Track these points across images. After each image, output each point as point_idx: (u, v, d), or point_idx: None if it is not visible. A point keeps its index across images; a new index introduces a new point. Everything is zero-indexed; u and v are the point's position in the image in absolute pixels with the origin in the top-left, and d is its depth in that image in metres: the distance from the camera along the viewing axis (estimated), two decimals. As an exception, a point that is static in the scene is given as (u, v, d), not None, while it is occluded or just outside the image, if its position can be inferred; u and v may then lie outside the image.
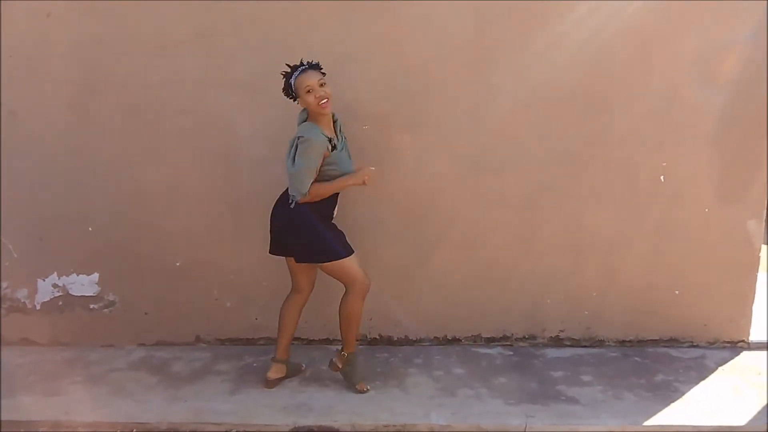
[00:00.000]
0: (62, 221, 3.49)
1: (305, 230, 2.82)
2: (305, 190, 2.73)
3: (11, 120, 3.39)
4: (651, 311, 3.48)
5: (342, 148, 2.85)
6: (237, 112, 3.33)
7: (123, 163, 3.42)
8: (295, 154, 2.73)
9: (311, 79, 2.70)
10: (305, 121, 2.83)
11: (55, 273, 3.56)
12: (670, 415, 2.82)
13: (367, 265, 3.42)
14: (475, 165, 3.33)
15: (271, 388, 3.07)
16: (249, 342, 3.61)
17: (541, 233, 3.41)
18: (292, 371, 3.17)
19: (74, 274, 3.55)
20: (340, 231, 2.97)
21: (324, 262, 2.88)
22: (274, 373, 3.09)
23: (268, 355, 3.45)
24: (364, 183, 2.81)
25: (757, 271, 3.44)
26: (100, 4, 3.24)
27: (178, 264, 3.52)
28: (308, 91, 2.70)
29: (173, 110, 3.34)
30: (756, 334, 3.53)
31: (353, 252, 2.92)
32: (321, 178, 2.78)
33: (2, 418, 2.85)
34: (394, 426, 2.78)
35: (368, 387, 3.04)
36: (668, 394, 3.00)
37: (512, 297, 3.49)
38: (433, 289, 3.44)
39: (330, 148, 2.76)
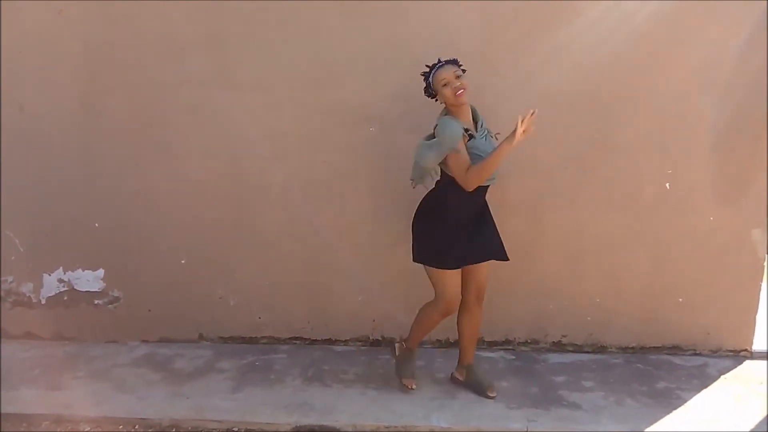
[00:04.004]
0: (69, 217, 3.51)
1: (428, 227, 2.84)
2: (423, 163, 2.75)
3: (20, 116, 3.42)
4: (654, 318, 3.48)
5: (483, 137, 2.78)
6: (243, 112, 3.35)
7: (130, 161, 3.44)
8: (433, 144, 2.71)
9: (446, 72, 2.69)
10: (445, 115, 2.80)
11: (61, 268, 3.58)
12: (671, 422, 2.82)
13: (370, 267, 3.45)
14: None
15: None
16: (251, 340, 3.62)
17: (545, 238, 3.41)
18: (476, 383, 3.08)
19: (80, 270, 3.58)
20: (480, 236, 2.86)
21: (426, 265, 2.86)
22: (458, 374, 3.10)
23: (269, 353, 3.48)
24: (524, 132, 2.58)
25: (762, 280, 3.44)
26: (110, 4, 3.27)
27: (182, 262, 3.53)
28: (444, 85, 2.69)
29: (180, 110, 3.37)
30: (759, 344, 3.51)
31: (459, 266, 2.84)
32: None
33: (5, 412, 2.87)
34: (395, 427, 2.78)
35: (414, 386, 3.03)
36: (670, 401, 2.99)
37: (515, 301, 3.49)
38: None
39: (466, 137, 2.71)
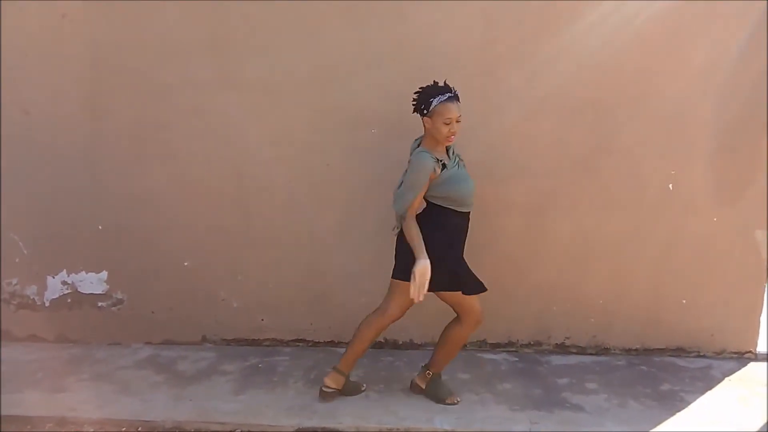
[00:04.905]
0: (72, 219, 3.52)
1: (439, 255, 2.70)
2: (403, 209, 2.68)
3: (23, 119, 3.43)
4: (658, 320, 3.47)
5: (455, 165, 2.76)
6: (246, 114, 3.36)
7: (133, 164, 3.45)
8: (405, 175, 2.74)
9: (454, 113, 2.65)
10: (419, 146, 2.79)
11: (65, 270, 3.59)
12: (675, 424, 2.81)
13: (373, 269, 3.44)
14: (483, 171, 3.31)
15: (325, 400, 2.94)
16: (254, 343, 3.62)
17: (548, 240, 3.41)
18: (351, 389, 3.02)
19: (83, 272, 3.59)
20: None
21: (450, 291, 2.78)
22: (331, 381, 2.94)
23: (272, 356, 3.48)
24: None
25: (765, 282, 3.42)
26: (113, 7, 3.28)
27: (186, 264, 3.54)
28: (446, 123, 2.65)
29: (183, 112, 3.37)
30: (763, 345, 3.50)
31: (483, 290, 2.82)
32: (434, 194, 2.72)
33: (10, 414, 2.87)
34: (398, 429, 2.77)
35: (458, 399, 2.97)
36: (674, 403, 2.98)
37: (518, 303, 3.48)
38: (439, 294, 3.44)
39: (438, 168, 2.69)
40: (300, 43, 3.25)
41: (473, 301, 2.81)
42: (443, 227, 2.75)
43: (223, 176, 3.43)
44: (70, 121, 3.43)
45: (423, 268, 2.57)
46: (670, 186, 3.31)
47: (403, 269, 2.71)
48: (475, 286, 2.80)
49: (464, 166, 2.85)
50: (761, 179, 3.28)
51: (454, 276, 2.75)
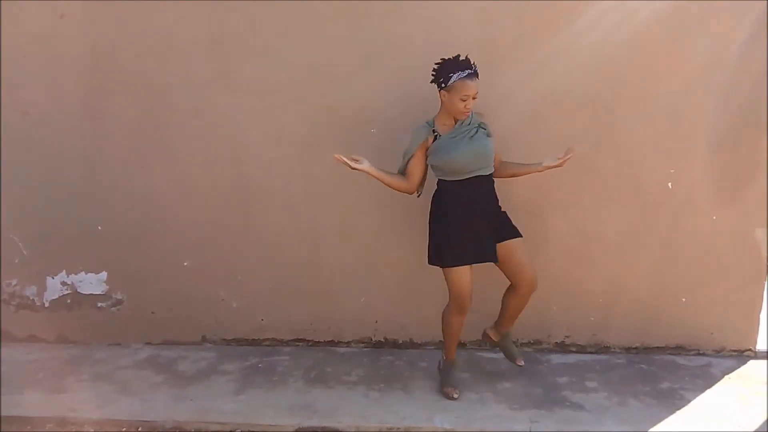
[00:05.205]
0: (72, 220, 3.53)
1: (431, 226, 2.93)
2: (399, 169, 2.90)
3: (23, 120, 3.43)
4: (657, 318, 3.47)
5: (455, 136, 2.76)
6: (245, 114, 3.36)
7: (133, 163, 3.45)
8: None
9: (472, 90, 2.70)
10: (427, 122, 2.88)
11: (64, 271, 3.59)
12: (675, 422, 2.81)
13: (373, 268, 3.46)
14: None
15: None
16: (254, 342, 3.62)
17: (547, 238, 3.41)
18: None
19: (83, 273, 3.59)
20: (481, 235, 2.85)
21: (433, 264, 2.91)
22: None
23: (272, 355, 3.48)
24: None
25: (765, 280, 3.43)
26: (112, 7, 3.28)
27: (185, 264, 3.54)
28: (463, 100, 2.71)
29: (183, 111, 3.38)
30: (763, 343, 3.50)
31: (467, 263, 2.84)
32: (431, 165, 2.86)
33: (10, 414, 2.87)
34: (398, 429, 2.78)
35: (456, 394, 2.99)
36: (674, 401, 2.98)
37: (518, 302, 3.48)
38: (439, 293, 3.42)
39: (430, 138, 2.80)
40: (300, 43, 3.25)
41: (455, 284, 2.85)
42: (441, 204, 2.87)
43: (222, 176, 3.43)
44: (68, 122, 3.43)
45: (360, 167, 2.75)
46: (670, 185, 3.32)
47: (432, 255, 2.91)
48: (454, 259, 2.82)
49: (482, 131, 2.82)
50: (761, 179, 3.28)
51: (437, 249, 2.88)
